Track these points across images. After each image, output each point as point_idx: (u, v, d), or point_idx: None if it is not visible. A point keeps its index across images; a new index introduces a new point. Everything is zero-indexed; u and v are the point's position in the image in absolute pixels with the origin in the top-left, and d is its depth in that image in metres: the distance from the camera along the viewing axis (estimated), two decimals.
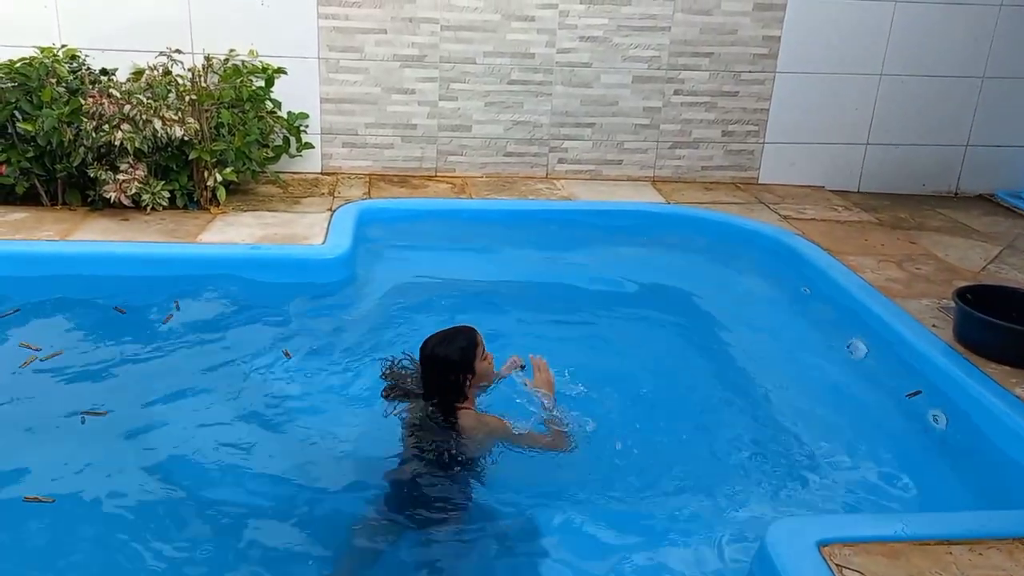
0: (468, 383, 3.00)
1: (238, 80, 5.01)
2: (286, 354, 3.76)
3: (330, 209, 5.12)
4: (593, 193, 5.79)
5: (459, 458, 2.97)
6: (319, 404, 3.49)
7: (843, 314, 4.35)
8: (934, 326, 4.03)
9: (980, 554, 2.52)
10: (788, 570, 2.41)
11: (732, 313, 4.60)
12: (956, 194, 6.54)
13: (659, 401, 3.80)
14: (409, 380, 3.14)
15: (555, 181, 6.00)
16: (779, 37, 5.97)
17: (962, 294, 3.89)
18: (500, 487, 3.09)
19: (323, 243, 4.56)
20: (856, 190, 6.41)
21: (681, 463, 3.36)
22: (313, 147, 5.61)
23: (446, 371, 2.97)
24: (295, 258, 4.38)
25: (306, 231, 4.74)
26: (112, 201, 4.64)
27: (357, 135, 5.80)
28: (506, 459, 3.08)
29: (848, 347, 4.13)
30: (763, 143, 6.23)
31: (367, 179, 5.79)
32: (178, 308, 4.05)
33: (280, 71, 5.22)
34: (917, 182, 6.47)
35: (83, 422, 3.25)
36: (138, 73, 4.98)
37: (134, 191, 4.64)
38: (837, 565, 2.44)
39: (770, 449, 3.47)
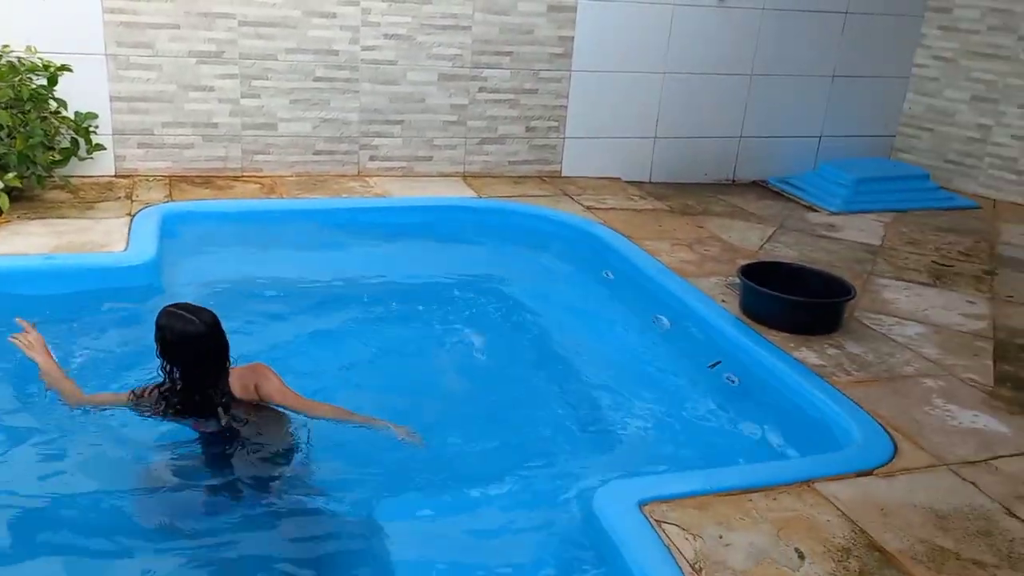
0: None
1: (16, 78, 4.63)
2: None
3: (129, 214, 4.86)
4: (407, 189, 5.86)
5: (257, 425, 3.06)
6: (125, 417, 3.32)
7: (645, 294, 4.71)
8: (723, 301, 4.45)
9: (775, 499, 2.86)
10: (615, 530, 2.64)
11: (546, 299, 4.84)
12: (733, 181, 7.19)
13: (480, 385, 3.97)
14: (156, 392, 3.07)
15: (367, 179, 6.01)
16: (572, 37, 6.30)
17: (745, 271, 4.33)
18: (330, 474, 3.15)
19: (124, 250, 4.34)
20: (648, 180, 6.88)
21: (506, 440, 3.53)
22: (104, 148, 5.28)
23: (221, 337, 2.98)
24: (95, 267, 4.14)
25: (104, 238, 4.48)
26: None
27: (153, 135, 5.52)
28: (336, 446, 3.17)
29: (653, 322, 4.48)
30: (564, 138, 6.56)
31: (167, 181, 5.53)
32: None
33: (65, 68, 4.87)
34: (700, 171, 7.05)
35: None
36: None
37: None
38: (656, 521, 2.69)
39: (589, 419, 3.73)
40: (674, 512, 2.74)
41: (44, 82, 4.82)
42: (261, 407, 3.09)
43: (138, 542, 2.81)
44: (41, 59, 4.92)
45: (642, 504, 2.74)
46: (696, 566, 2.51)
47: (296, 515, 2.96)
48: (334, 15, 5.66)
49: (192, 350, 2.93)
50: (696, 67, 6.70)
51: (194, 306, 2.99)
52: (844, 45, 7.05)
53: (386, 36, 5.83)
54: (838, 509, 2.81)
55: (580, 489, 3.09)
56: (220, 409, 3.01)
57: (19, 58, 4.89)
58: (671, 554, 2.54)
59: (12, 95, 4.54)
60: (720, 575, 2.48)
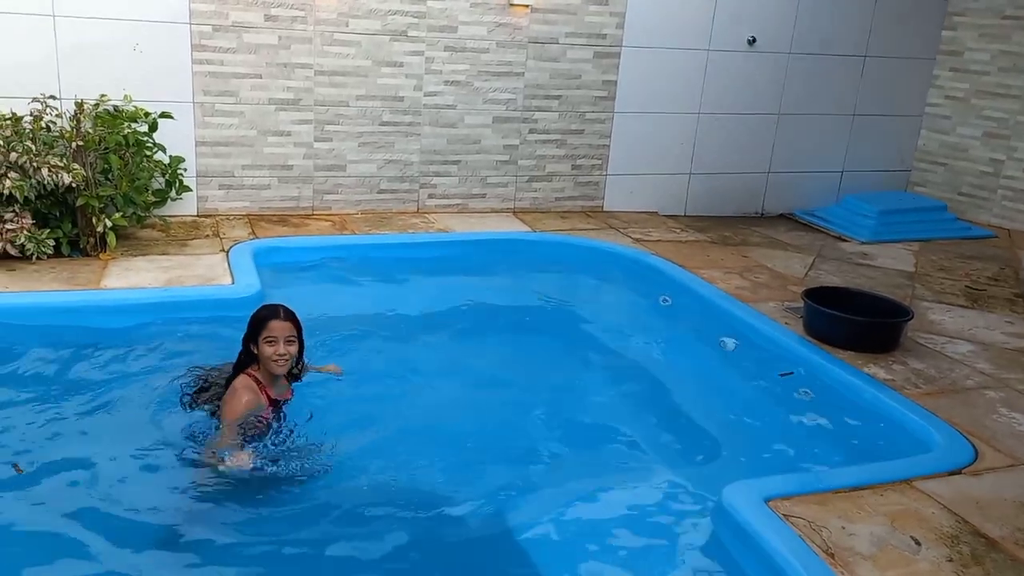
0: (251, 350, 3.45)
1: (123, 125, 4.94)
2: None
3: (223, 250, 5.15)
4: (464, 225, 6.19)
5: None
6: None
7: (708, 318, 5.04)
8: (786, 322, 4.80)
9: (882, 495, 3.17)
10: (750, 523, 2.93)
11: (611, 324, 5.16)
12: (762, 214, 7.60)
13: (567, 404, 4.24)
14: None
15: (427, 215, 6.34)
16: (615, 81, 6.71)
17: (808, 294, 4.69)
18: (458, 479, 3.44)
19: (232, 283, 4.62)
20: (684, 214, 7.27)
21: (602, 452, 3.81)
22: (191, 190, 5.59)
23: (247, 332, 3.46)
24: (212, 299, 4.42)
25: (208, 272, 4.77)
26: None
27: (234, 177, 5.84)
28: None
29: (720, 345, 4.80)
30: (606, 175, 6.94)
31: (246, 219, 5.83)
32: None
33: (166, 115, 5.18)
34: (730, 205, 7.45)
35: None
36: (15, 120, 4.76)
37: (22, 240, 4.46)
38: (783, 515, 2.99)
39: (678, 431, 4.01)
40: (797, 507, 3.05)
41: (145, 128, 5.13)
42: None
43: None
44: (135, 106, 5.24)
45: (768, 500, 3.05)
46: (828, 551, 2.81)
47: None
48: (401, 64, 6.03)
49: None
50: (728, 107, 7.13)
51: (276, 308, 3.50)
52: (863, 86, 7.52)
53: (447, 83, 6.21)
54: (939, 503, 3.14)
55: (695, 490, 3.41)
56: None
57: (115, 106, 5.20)
58: (804, 543, 2.84)
59: (121, 141, 4.84)
60: (852, 559, 2.79)
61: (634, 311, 5.46)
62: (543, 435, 3.91)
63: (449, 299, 5.21)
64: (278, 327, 3.39)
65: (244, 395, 3.36)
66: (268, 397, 3.44)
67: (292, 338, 3.41)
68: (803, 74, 7.25)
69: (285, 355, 3.38)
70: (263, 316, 3.43)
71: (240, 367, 3.49)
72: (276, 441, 3.38)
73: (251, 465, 3.22)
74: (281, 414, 3.51)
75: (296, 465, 3.31)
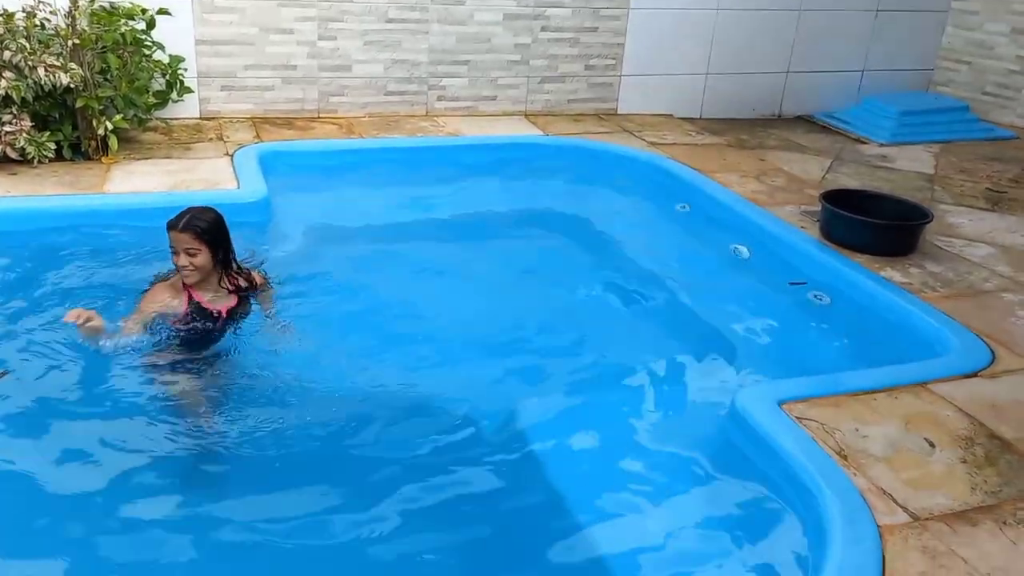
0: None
1: (120, 22, 4.77)
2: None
3: (227, 154, 5.05)
4: (475, 128, 6.04)
5: None
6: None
7: (724, 224, 4.95)
8: (803, 227, 4.71)
9: (896, 398, 3.15)
10: (763, 426, 2.92)
11: (628, 231, 5.07)
12: (779, 116, 7.38)
13: (579, 310, 4.20)
14: None
15: (436, 118, 6.18)
16: None
17: (826, 197, 4.57)
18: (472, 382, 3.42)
19: (238, 188, 4.54)
20: (699, 116, 7.07)
21: (613, 356, 3.77)
22: (192, 91, 5.44)
23: None
24: (218, 204, 4.18)
25: (213, 176, 4.69)
26: None
27: (236, 77, 5.67)
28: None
29: (733, 252, 4.72)
30: (620, 76, 6.72)
31: (251, 122, 5.70)
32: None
33: (163, 11, 5.00)
34: (748, 107, 7.24)
35: None
36: (7, 17, 4.60)
37: (22, 143, 4.37)
38: (797, 418, 2.98)
39: (694, 337, 3.98)
40: (811, 410, 3.03)
41: (142, 26, 4.95)
42: None
43: None
44: (132, 3, 5.05)
45: (781, 403, 3.03)
46: (841, 453, 2.80)
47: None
48: None
49: None
50: (748, 3, 6.84)
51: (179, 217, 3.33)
52: None
53: None
54: (954, 405, 3.11)
55: (709, 394, 3.40)
56: None
57: (111, 3, 5.01)
58: (817, 444, 2.83)
59: (119, 39, 4.68)
60: (865, 461, 2.78)
61: (648, 216, 5.36)
62: (554, 342, 3.88)
63: (459, 205, 5.13)
64: (174, 238, 3.24)
65: (158, 292, 3.36)
66: (192, 300, 3.36)
67: (193, 250, 3.23)
68: None
69: (187, 265, 3.25)
70: (166, 225, 3.27)
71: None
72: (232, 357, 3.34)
73: (129, 337, 3.23)
74: (224, 322, 3.42)
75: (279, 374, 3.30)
